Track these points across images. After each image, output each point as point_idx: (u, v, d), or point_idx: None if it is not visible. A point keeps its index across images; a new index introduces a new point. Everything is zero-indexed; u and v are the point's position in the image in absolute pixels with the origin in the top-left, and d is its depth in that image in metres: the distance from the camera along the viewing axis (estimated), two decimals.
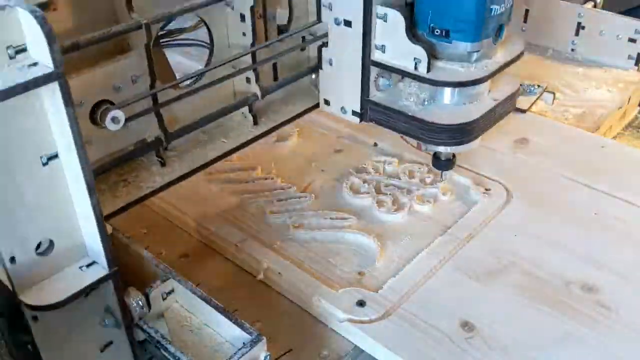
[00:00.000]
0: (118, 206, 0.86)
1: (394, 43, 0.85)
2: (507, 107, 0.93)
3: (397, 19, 0.83)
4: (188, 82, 1.00)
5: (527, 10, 1.49)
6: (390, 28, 0.84)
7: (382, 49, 0.87)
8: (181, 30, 1.72)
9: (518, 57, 0.90)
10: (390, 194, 1.00)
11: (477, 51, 0.83)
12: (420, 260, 0.88)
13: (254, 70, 1.01)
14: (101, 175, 0.86)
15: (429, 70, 0.84)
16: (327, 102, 0.99)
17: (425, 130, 0.87)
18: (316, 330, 0.81)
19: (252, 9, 0.98)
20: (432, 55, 0.84)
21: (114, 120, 0.75)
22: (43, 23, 0.51)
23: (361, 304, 0.81)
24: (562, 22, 1.44)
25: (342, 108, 0.96)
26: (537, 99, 1.25)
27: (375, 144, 1.12)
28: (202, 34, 1.59)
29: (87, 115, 0.78)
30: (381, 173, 1.05)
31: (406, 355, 0.75)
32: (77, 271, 0.64)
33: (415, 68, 0.84)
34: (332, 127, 1.17)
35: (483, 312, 0.81)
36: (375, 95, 0.92)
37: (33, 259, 0.61)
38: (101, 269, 0.64)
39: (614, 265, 0.87)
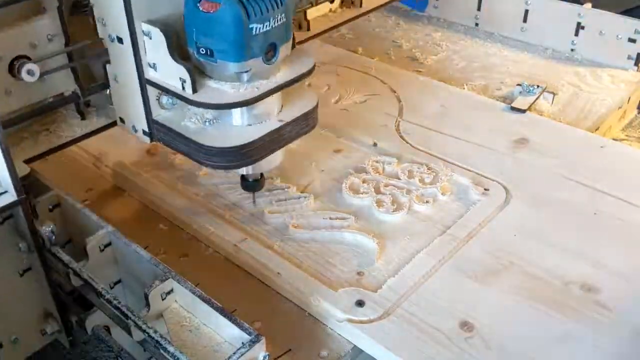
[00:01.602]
0: (40, 151, 0.96)
1: (162, 62, 0.81)
2: (301, 126, 0.87)
3: (159, 38, 0.78)
4: None
5: (527, 10, 1.49)
6: (156, 46, 0.79)
7: (154, 67, 0.82)
8: None
9: (301, 76, 0.84)
10: (389, 194, 0.99)
11: (247, 71, 0.78)
12: (420, 260, 0.88)
13: None
14: (23, 123, 0.97)
15: (194, 90, 0.78)
16: (122, 120, 0.92)
17: (201, 153, 0.82)
18: (315, 330, 0.81)
19: None
20: (207, 75, 0.80)
21: (29, 72, 0.85)
22: None
23: (360, 303, 0.81)
24: (562, 22, 1.44)
25: (133, 127, 0.89)
26: (536, 99, 1.25)
27: (375, 144, 1.12)
28: None
29: (6, 69, 0.87)
30: (380, 173, 1.05)
31: (405, 355, 0.75)
32: None
33: (183, 88, 0.79)
34: (333, 127, 1.17)
35: (482, 312, 0.81)
36: (160, 114, 0.86)
37: None
38: (11, 197, 0.75)
39: (614, 265, 0.87)
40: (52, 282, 0.83)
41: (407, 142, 1.12)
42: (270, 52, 0.78)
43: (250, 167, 0.88)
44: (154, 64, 0.82)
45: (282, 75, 0.83)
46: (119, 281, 0.85)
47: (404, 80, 1.33)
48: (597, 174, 1.03)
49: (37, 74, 0.85)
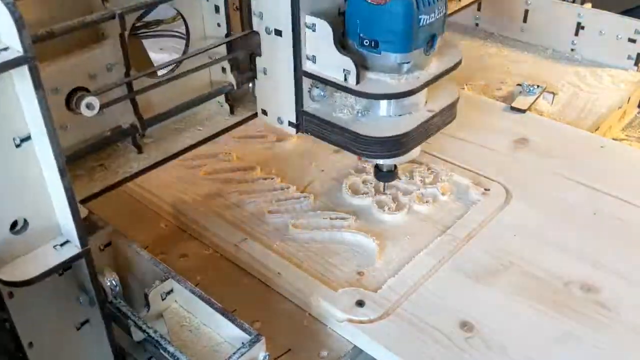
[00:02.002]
0: (94, 190, 0.88)
1: (324, 54, 0.82)
2: (445, 117, 0.89)
3: (325, 29, 0.80)
4: (165, 71, 1.00)
5: (527, 10, 1.49)
6: (319, 38, 0.81)
7: (313, 59, 0.83)
8: (159, 22, 1.74)
9: (454, 67, 0.86)
10: (389, 194, 0.99)
11: (408, 62, 0.80)
12: (420, 260, 0.88)
13: (229, 60, 1.00)
14: (78, 160, 0.89)
15: (358, 82, 0.80)
16: (264, 112, 0.94)
17: (357, 143, 0.84)
18: (315, 330, 0.81)
19: (226, 0, 0.97)
20: (364, 66, 0.81)
21: (89, 106, 0.78)
22: (12, 10, 0.53)
23: (360, 304, 0.81)
24: (562, 22, 1.44)
25: (279, 118, 0.92)
26: (537, 99, 1.25)
27: None
28: (180, 25, 1.60)
29: (63, 102, 0.81)
30: None
31: (405, 355, 0.75)
32: (51, 250, 0.67)
33: (345, 79, 0.81)
34: None
35: (482, 312, 0.81)
36: (309, 106, 0.88)
37: (8, 238, 0.64)
38: (74, 248, 0.67)
39: (613, 265, 0.87)
40: (112, 335, 0.76)
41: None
42: (429, 42, 0.80)
43: (387, 159, 0.89)
44: (314, 56, 0.83)
45: (436, 66, 0.84)
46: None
47: None
48: (597, 174, 1.04)
49: (97, 107, 0.79)
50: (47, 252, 0.66)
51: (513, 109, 1.22)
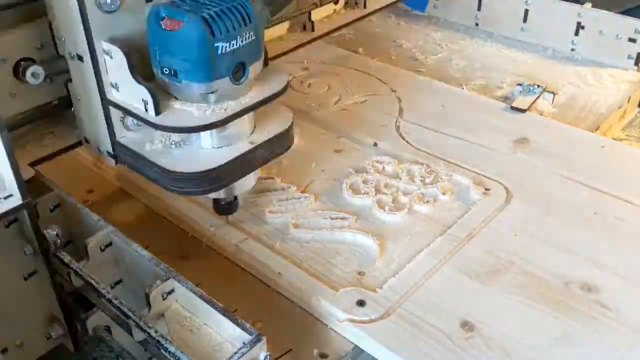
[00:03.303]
0: (45, 153, 0.94)
1: (123, 82, 0.76)
2: (274, 147, 0.83)
3: (119, 56, 0.74)
4: None
5: (527, 10, 1.49)
6: (117, 65, 0.75)
7: (116, 87, 0.78)
8: None
9: (273, 96, 0.80)
10: (390, 194, 1.00)
11: (213, 92, 0.74)
12: (420, 260, 0.88)
13: None
14: (28, 125, 0.94)
15: (157, 113, 0.74)
16: (87, 141, 0.88)
17: (167, 179, 0.77)
18: (316, 330, 0.81)
19: None
20: (173, 95, 0.76)
21: (34, 75, 0.83)
22: None
23: (361, 303, 0.81)
24: (562, 22, 1.44)
25: (98, 148, 0.85)
26: (537, 98, 1.25)
27: (375, 144, 1.12)
28: None
29: (11, 71, 0.85)
30: (381, 173, 1.05)
31: (406, 355, 0.75)
32: None
33: (145, 110, 0.74)
34: (333, 127, 1.17)
35: (483, 311, 0.81)
36: (125, 135, 0.81)
37: None
38: (16, 200, 0.72)
39: (614, 265, 0.87)
40: (57, 286, 0.81)
41: (407, 142, 1.13)
42: (238, 71, 0.74)
43: (221, 192, 0.84)
44: (116, 83, 0.77)
45: (253, 95, 0.79)
46: (120, 281, 0.85)
47: (404, 80, 1.33)
48: (597, 174, 1.04)
49: (42, 76, 0.83)
50: None
51: (513, 108, 1.22)
